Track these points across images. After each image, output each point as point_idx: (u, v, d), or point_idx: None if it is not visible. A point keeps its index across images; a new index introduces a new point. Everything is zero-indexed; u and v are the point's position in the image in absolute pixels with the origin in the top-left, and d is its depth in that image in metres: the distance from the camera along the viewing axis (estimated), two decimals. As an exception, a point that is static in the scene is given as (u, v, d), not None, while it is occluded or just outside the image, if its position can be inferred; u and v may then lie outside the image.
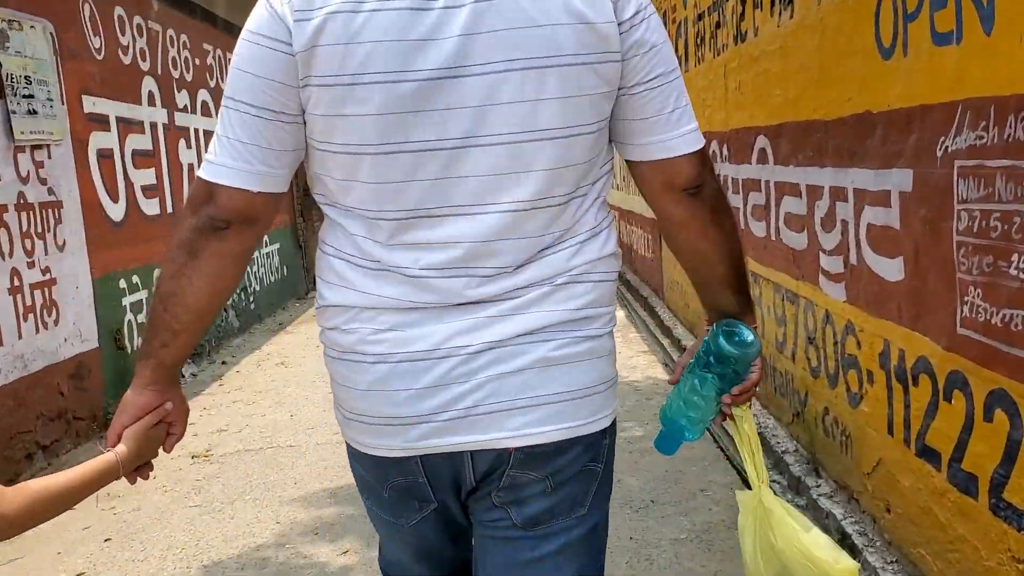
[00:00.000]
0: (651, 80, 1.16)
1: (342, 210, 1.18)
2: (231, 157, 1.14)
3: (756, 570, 1.35)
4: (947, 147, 2.07)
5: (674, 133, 1.18)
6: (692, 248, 1.28)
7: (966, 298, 2.01)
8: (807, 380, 3.31)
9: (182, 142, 6.80)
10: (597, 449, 1.23)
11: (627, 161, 1.25)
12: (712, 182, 1.25)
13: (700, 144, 1.22)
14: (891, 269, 2.46)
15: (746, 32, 3.88)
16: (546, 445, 1.16)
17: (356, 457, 1.27)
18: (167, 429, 1.32)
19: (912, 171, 2.29)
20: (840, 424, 2.97)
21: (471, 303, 1.14)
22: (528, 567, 1.22)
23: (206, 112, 7.47)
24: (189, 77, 7.08)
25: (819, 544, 1.29)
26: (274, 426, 4.60)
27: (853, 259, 2.75)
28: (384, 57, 1.07)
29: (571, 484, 1.21)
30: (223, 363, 6.32)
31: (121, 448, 1.24)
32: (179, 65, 6.86)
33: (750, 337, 1.28)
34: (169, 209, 6.39)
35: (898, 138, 2.36)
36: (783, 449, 3.55)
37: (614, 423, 1.27)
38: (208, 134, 7.43)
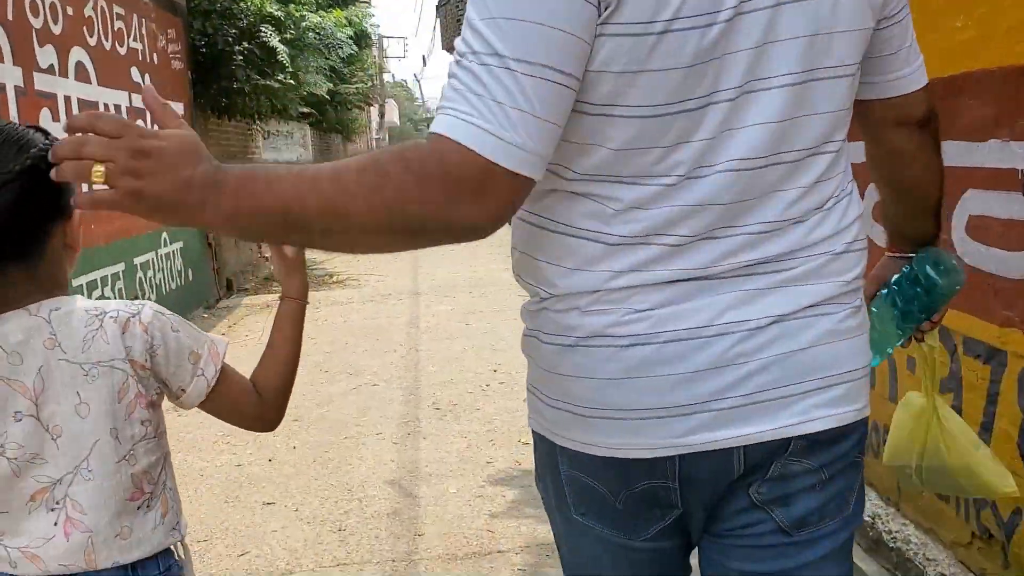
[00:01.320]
0: (899, 12, 1.14)
1: (595, 181, 1.03)
2: (529, 135, 0.90)
3: (907, 460, 1.48)
4: None
5: (913, 67, 1.19)
6: (914, 180, 1.29)
7: None
8: (1027, 493, 2.03)
9: (45, 112, 5.25)
10: (864, 437, 1.16)
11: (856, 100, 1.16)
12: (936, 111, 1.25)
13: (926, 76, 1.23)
14: None
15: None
16: (830, 431, 1.08)
17: (580, 464, 1.12)
18: None
19: None
20: None
21: (741, 272, 1.04)
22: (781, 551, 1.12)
23: (83, 76, 5.89)
24: (56, 29, 5.52)
25: (987, 464, 1.41)
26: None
27: None
28: None
29: (840, 478, 1.13)
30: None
31: (291, 290, 1.32)
32: (41, 12, 5.31)
33: (956, 264, 1.31)
34: (24, 200, 4.81)
35: None
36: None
37: None
38: (86, 104, 5.88)
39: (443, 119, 0.89)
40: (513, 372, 5.03)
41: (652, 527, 1.12)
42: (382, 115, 38.02)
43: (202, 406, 1.24)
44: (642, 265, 1.02)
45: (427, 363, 5.40)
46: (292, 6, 9.23)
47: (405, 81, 67.81)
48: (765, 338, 1.03)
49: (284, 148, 16.55)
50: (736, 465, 1.07)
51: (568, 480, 1.15)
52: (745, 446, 1.05)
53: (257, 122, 11.15)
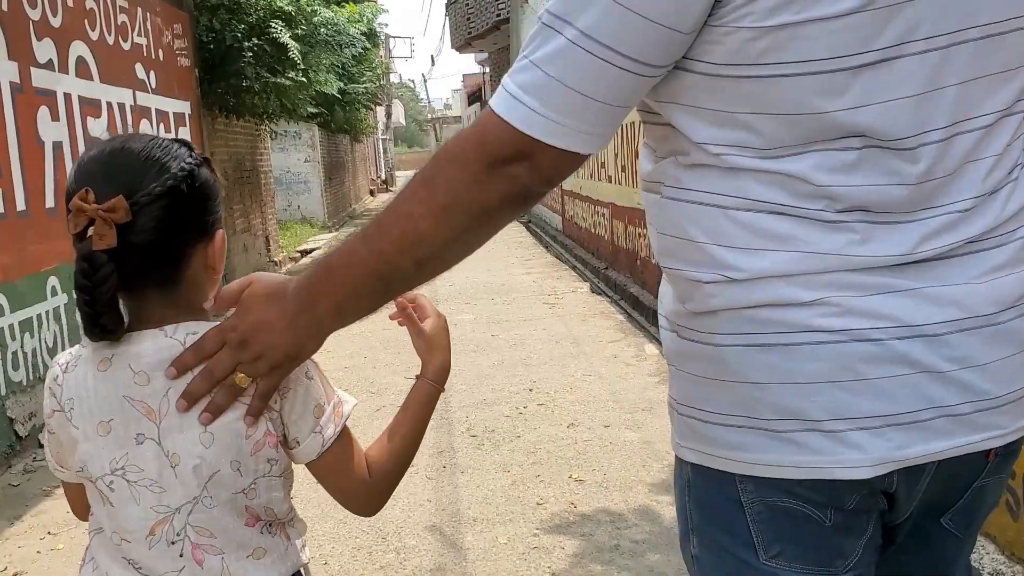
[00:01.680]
0: None
1: (771, 158, 0.95)
2: (568, 113, 0.92)
3: None
4: None
5: None
6: None
7: None
8: None
9: (43, 112, 4.90)
10: None
11: None
12: None
13: None
14: None
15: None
16: (1020, 440, 1.04)
17: (772, 489, 0.98)
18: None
19: None
20: None
21: (946, 255, 0.96)
22: (951, 561, 1.13)
23: (84, 72, 5.55)
24: (56, 21, 5.17)
25: None
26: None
27: None
28: None
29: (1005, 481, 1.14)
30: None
31: (427, 371, 1.24)
32: (40, 3, 4.98)
33: None
34: (20, 206, 4.47)
35: None
36: None
37: None
38: (87, 102, 5.52)
39: (499, 91, 0.93)
40: (551, 392, 4.65)
41: (859, 543, 1.03)
42: (389, 115, 37.71)
43: (310, 466, 1.15)
44: (842, 248, 0.94)
45: (455, 380, 5.01)
46: (303, 0, 8.85)
47: (412, 81, 67.67)
48: (976, 342, 0.96)
49: (292, 149, 16.21)
50: (922, 480, 1.01)
51: (756, 514, 1.01)
52: (941, 460, 0.99)
53: (266, 122, 10.80)
